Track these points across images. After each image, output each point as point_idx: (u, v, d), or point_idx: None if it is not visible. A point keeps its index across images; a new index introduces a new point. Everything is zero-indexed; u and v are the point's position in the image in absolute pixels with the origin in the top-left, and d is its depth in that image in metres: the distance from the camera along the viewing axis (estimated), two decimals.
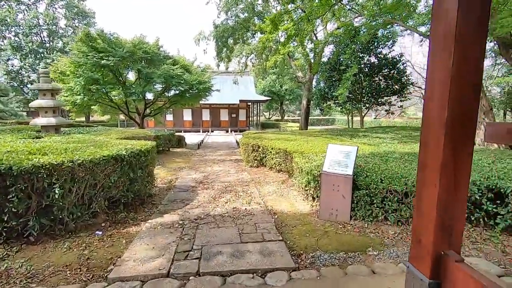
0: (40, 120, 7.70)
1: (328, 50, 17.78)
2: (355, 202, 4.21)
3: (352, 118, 20.44)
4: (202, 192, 5.89)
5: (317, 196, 4.82)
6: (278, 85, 35.19)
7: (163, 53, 16.19)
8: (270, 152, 7.49)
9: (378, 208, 4.07)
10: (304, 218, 4.52)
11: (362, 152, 5.92)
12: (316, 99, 14.28)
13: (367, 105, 13.63)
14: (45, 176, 3.38)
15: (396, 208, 3.99)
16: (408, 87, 12.50)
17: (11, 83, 27.75)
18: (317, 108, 15.07)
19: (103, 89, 14.64)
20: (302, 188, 5.31)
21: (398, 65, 12.38)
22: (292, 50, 12.98)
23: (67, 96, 14.52)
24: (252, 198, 5.49)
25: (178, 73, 15.05)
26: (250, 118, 34.84)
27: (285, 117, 41.40)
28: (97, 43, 13.64)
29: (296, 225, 4.24)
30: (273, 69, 33.87)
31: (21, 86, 27.62)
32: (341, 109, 15.26)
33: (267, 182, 6.76)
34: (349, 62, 11.09)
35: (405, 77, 12.27)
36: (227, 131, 29.66)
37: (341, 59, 12.83)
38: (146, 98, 17.70)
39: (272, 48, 19.37)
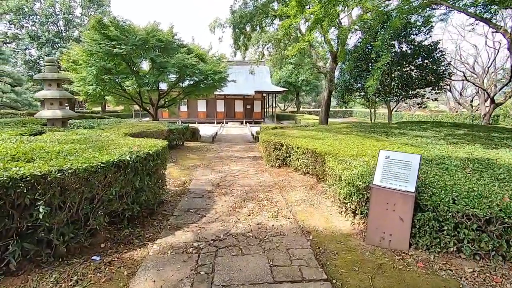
0: (46, 113, 7.06)
1: (351, 39, 16.40)
2: (417, 226, 3.27)
3: (375, 111, 19.10)
4: (219, 199, 5.08)
5: (361, 213, 3.90)
6: (295, 76, 33.82)
7: (178, 41, 15.33)
8: (296, 152, 6.57)
9: (449, 237, 3.11)
10: (346, 241, 3.62)
11: None
12: (340, 91, 13.08)
13: (397, 98, 12.35)
14: (25, 190, 2.62)
15: (474, 238, 3.03)
16: (445, 78, 11.14)
17: (30, 73, 27.75)
18: (341, 100, 13.88)
19: (116, 79, 14.02)
20: (339, 200, 4.40)
21: (433, 54, 11.03)
22: (313, 39, 11.76)
23: (80, 86, 14.03)
24: (279, 209, 4.63)
25: (193, 63, 14.20)
26: (265, 109, 33.81)
27: (301, 109, 40.07)
28: (110, 31, 12.91)
29: (338, 252, 3.36)
30: (290, 59, 32.52)
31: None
32: (367, 102, 14.02)
33: (293, 187, 5.87)
34: (380, 50, 9.86)
35: (442, 67, 10.90)
36: (242, 123, 28.82)
37: (370, 47, 11.58)
38: (160, 88, 17.03)
39: (292, 36, 18.20)
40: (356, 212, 4.03)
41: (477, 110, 28.03)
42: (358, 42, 11.83)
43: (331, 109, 46.22)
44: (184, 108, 27.76)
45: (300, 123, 26.99)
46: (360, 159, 4.82)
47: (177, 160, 8.36)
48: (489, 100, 19.42)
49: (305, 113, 36.04)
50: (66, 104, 8.76)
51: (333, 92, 14.73)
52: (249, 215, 4.36)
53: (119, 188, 3.39)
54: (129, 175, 3.52)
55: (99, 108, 37.56)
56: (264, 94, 30.68)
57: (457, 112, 36.14)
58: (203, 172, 7.10)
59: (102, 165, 3.15)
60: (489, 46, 21.07)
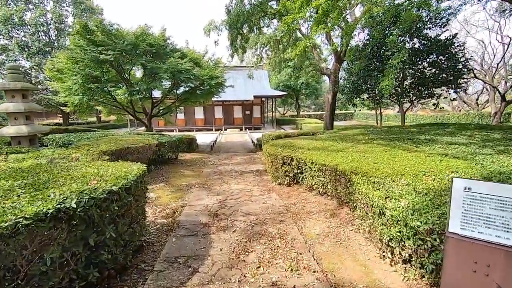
0: (8, 130, 5.85)
1: (355, 38, 15.34)
2: None
3: (381, 114, 17.94)
4: (217, 238, 3.85)
5: (423, 266, 2.68)
6: (294, 79, 32.77)
7: (170, 45, 14.20)
8: (310, 168, 5.36)
9: None
10: None
11: (459, 172, 3.73)
12: (348, 92, 11.92)
13: (412, 99, 11.17)
14: None
15: None
16: (464, 75, 9.98)
17: None
18: (349, 103, 12.75)
19: (105, 88, 12.85)
20: (381, 240, 3.19)
21: (449, 49, 9.90)
22: (318, 34, 10.58)
23: (65, 96, 12.85)
24: (298, 253, 3.40)
25: (187, 68, 13.05)
26: (265, 114, 32.70)
27: (301, 113, 38.97)
28: (96, 36, 11.79)
29: None
30: (289, 63, 31.49)
31: None
32: (376, 104, 12.83)
33: (309, 214, 4.65)
34: (394, 46, 8.73)
35: (460, 63, 9.75)
36: (241, 129, 27.65)
37: (379, 45, 10.43)
38: (153, 96, 15.86)
39: (291, 37, 17.17)
40: (413, 262, 2.81)
41: (483, 108, 26.94)
42: (367, 40, 10.72)
43: (321, 112, 45.15)
44: (181, 116, 26.60)
45: (301, 128, 25.82)
46: (401, 180, 3.62)
47: (168, 178, 7.14)
48: (499, 98, 18.33)
49: (305, 117, 34.94)
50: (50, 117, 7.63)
51: (340, 95, 13.59)
52: (259, 267, 3.13)
53: (60, 252, 2.18)
54: (78, 229, 2.30)
55: (95, 119, 36.42)
56: (263, 99, 29.59)
57: (460, 111, 35.11)
58: (198, 194, 5.87)
59: (24, 221, 1.94)
60: (498, 41, 20.06)
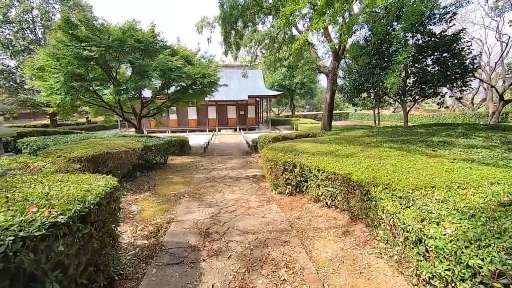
0: None
1: (355, 35, 14.71)
2: None
3: (379, 114, 17.40)
4: (209, 268, 3.10)
5: None
6: (289, 79, 32.14)
7: (161, 42, 13.36)
8: (315, 176, 4.65)
9: None
10: None
11: (501, 184, 3.06)
12: (350, 91, 11.26)
13: (415, 98, 10.56)
14: None
15: None
16: (472, 72, 9.39)
17: (5, 84, 25.35)
18: (350, 102, 12.09)
19: (89, 87, 11.96)
20: (419, 277, 2.50)
21: (455, 45, 9.33)
22: (320, 26, 9.82)
23: (47, 96, 11.93)
24: None
25: (178, 65, 12.24)
26: (259, 115, 32.01)
27: (295, 113, 38.35)
28: (80, 31, 10.89)
29: None
30: (283, 62, 30.85)
31: (15, 86, 25.10)
32: (378, 103, 12.20)
33: (317, 231, 3.94)
34: (398, 42, 8.10)
35: (468, 60, 9.18)
36: (235, 130, 26.89)
37: (383, 41, 9.79)
38: (143, 96, 15.00)
39: (287, 35, 16.52)
40: None
41: (478, 108, 26.71)
42: (369, 36, 10.07)
43: (322, 112, 44.59)
44: (173, 116, 25.69)
45: (297, 128, 25.19)
46: (434, 195, 2.93)
47: (155, 186, 6.35)
48: (497, 97, 17.97)
49: (300, 117, 34.34)
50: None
51: (339, 94, 12.96)
52: None
53: None
54: None
55: (85, 119, 35.20)
56: (258, 99, 28.88)
57: (454, 110, 34.94)
58: (187, 206, 5.11)
59: None
60: (496, 39, 19.73)
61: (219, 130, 26.78)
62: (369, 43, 9.67)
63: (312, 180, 4.73)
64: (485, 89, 22.74)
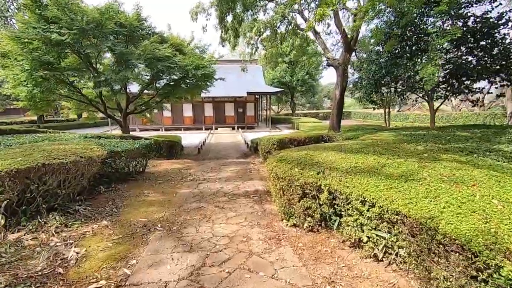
0: None
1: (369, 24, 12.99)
2: None
3: (389, 113, 15.66)
4: None
5: None
6: (289, 75, 30.35)
7: (148, 28, 11.53)
8: (357, 210, 2.87)
9: None
10: None
11: None
12: (368, 86, 9.44)
13: (446, 94, 8.77)
14: None
15: None
16: None
17: None
18: (368, 99, 10.29)
19: (62, 77, 10.10)
20: None
21: (499, 30, 7.61)
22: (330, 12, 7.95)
23: (13, 88, 10.08)
24: None
25: (167, 54, 10.39)
26: (259, 112, 30.23)
27: (296, 111, 36.57)
28: (50, 11, 9.01)
29: None
30: (284, 58, 29.06)
31: None
32: (402, 100, 10.33)
33: None
34: (437, 24, 6.34)
35: None
36: (233, 128, 25.09)
37: (412, 25, 7.98)
38: (129, 91, 13.16)
39: (290, 26, 14.80)
40: None
41: (489, 108, 25.08)
42: (394, 18, 8.18)
43: (323, 110, 42.57)
44: (167, 113, 23.80)
45: (298, 127, 23.42)
46: None
47: (120, 209, 4.55)
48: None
49: (301, 116, 32.59)
50: None
51: (348, 91, 11.20)
52: None
53: None
54: None
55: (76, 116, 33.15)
56: (257, 96, 27.06)
57: (460, 110, 33.34)
58: (157, 249, 3.33)
59: None
60: None
61: (216, 129, 24.97)
62: (394, 27, 7.87)
63: (351, 216, 2.97)
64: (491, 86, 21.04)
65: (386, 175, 3.10)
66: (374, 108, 11.57)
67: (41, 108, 11.44)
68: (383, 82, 9.33)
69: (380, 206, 2.59)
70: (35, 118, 30.49)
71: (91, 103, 12.00)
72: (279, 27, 14.96)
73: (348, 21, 13.27)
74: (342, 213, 3.09)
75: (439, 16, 6.88)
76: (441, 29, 6.69)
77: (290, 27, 15.16)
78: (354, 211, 2.89)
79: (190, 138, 18.71)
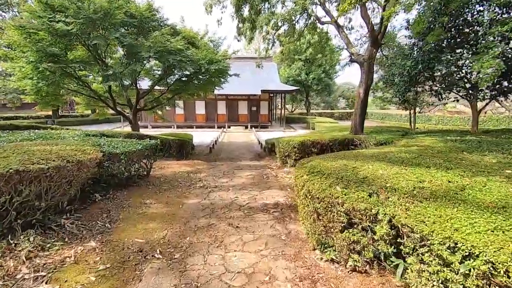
0: None
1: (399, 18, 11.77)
2: None
3: (415, 114, 14.40)
4: None
5: None
6: (305, 74, 29.20)
7: (160, 20, 10.80)
8: (439, 258, 1.92)
9: None
10: None
11: None
12: (401, 84, 8.24)
13: (496, 94, 7.55)
14: None
15: None
16: None
17: None
18: (401, 99, 9.08)
19: (68, 70, 9.49)
20: None
21: None
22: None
23: (19, 81, 9.57)
24: None
25: (179, 47, 9.61)
26: (273, 111, 29.28)
27: (310, 111, 35.34)
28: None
29: None
30: (299, 55, 27.94)
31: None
32: (440, 99, 9.03)
33: None
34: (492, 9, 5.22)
35: None
36: (246, 127, 24.24)
37: (462, 13, 6.80)
38: (139, 87, 12.53)
39: (310, 21, 13.88)
40: None
41: None
42: (439, 3, 6.96)
43: (339, 110, 40.96)
44: (180, 111, 23.19)
45: (314, 127, 22.32)
46: None
47: (114, 224, 3.75)
48: None
49: (316, 115, 31.39)
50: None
51: (383, 88, 10.08)
52: None
53: None
54: None
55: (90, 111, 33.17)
56: (272, 94, 26.09)
57: (485, 113, 31.33)
58: None
59: None
60: None
61: (228, 127, 24.19)
62: (438, 15, 6.69)
63: (428, 265, 2.01)
64: None
65: (477, 205, 2.13)
66: (405, 109, 10.38)
67: (48, 103, 10.94)
68: (418, 79, 8.17)
69: (489, 260, 1.63)
70: (50, 113, 30.59)
71: (100, 99, 11.41)
72: (297, 21, 14.00)
73: (374, 13, 12.08)
74: (411, 256, 2.15)
75: (496, 2, 5.72)
76: (495, 18, 5.56)
77: (310, 21, 14.16)
78: (434, 259, 1.94)
79: (202, 137, 18.00)
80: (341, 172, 3.01)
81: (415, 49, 7.94)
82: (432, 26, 6.69)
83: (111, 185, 4.81)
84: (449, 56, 6.81)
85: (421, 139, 5.62)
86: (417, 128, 16.69)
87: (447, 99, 9.13)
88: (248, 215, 4.15)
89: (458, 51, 6.81)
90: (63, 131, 7.18)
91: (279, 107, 29.73)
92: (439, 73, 7.57)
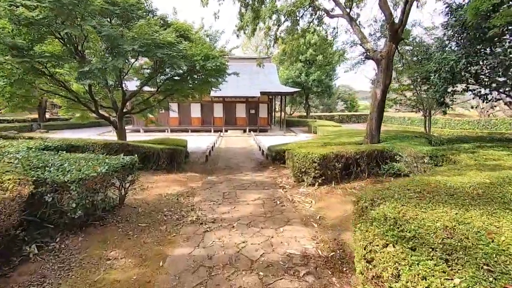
0: None
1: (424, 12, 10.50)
2: None
3: (430, 117, 13.01)
4: None
5: None
6: (305, 75, 27.79)
7: (148, 10, 9.23)
8: None
9: None
10: None
11: None
12: (441, 82, 6.70)
13: None
14: None
15: None
16: None
17: None
18: (440, 99, 7.59)
19: (35, 65, 7.83)
20: None
21: None
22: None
23: None
24: None
25: (169, 39, 8.04)
26: (272, 114, 27.77)
27: (310, 113, 33.89)
28: None
29: None
30: (299, 56, 26.50)
31: None
32: (485, 100, 7.53)
33: None
34: None
35: None
36: (245, 131, 22.68)
37: None
38: (126, 86, 10.91)
39: (315, 15, 12.56)
40: None
41: None
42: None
43: (338, 113, 39.60)
44: (174, 114, 21.54)
45: (315, 131, 20.87)
46: None
47: None
48: None
49: (316, 118, 29.95)
50: None
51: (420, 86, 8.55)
52: None
53: None
54: None
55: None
56: (271, 96, 24.58)
57: (489, 115, 30.24)
58: None
59: None
60: None
61: (226, 131, 22.61)
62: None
63: None
64: None
65: None
66: (444, 113, 8.91)
67: (17, 105, 9.23)
68: (462, 76, 6.69)
69: None
70: (36, 116, 28.56)
71: (79, 101, 9.73)
72: (302, 16, 12.57)
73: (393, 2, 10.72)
74: None
75: None
76: None
77: (316, 16, 12.74)
78: None
79: (197, 141, 16.41)
80: (453, 243, 1.47)
81: (454, 40, 6.49)
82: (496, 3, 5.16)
83: (60, 226, 3.21)
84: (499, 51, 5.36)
85: (490, 153, 4.11)
86: (433, 132, 15.30)
87: (494, 100, 7.68)
88: (267, 284, 2.59)
89: None
90: (19, 141, 5.54)
91: (277, 110, 28.29)
92: (485, 69, 6.15)
